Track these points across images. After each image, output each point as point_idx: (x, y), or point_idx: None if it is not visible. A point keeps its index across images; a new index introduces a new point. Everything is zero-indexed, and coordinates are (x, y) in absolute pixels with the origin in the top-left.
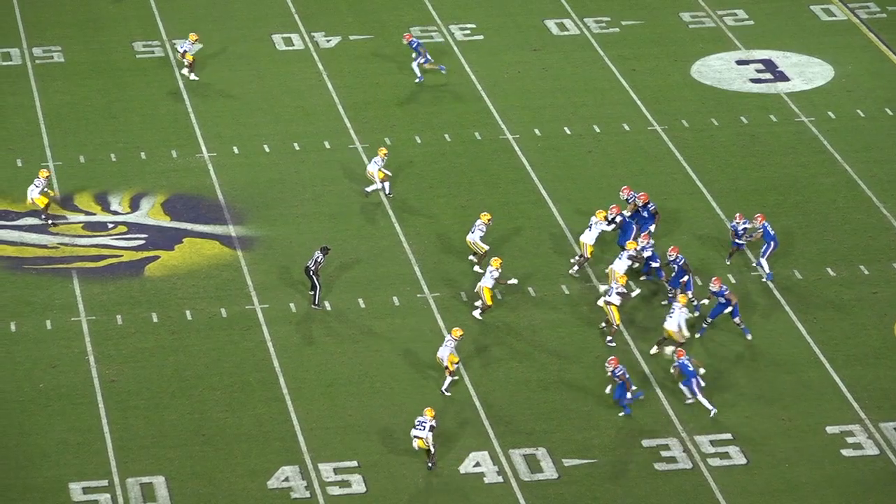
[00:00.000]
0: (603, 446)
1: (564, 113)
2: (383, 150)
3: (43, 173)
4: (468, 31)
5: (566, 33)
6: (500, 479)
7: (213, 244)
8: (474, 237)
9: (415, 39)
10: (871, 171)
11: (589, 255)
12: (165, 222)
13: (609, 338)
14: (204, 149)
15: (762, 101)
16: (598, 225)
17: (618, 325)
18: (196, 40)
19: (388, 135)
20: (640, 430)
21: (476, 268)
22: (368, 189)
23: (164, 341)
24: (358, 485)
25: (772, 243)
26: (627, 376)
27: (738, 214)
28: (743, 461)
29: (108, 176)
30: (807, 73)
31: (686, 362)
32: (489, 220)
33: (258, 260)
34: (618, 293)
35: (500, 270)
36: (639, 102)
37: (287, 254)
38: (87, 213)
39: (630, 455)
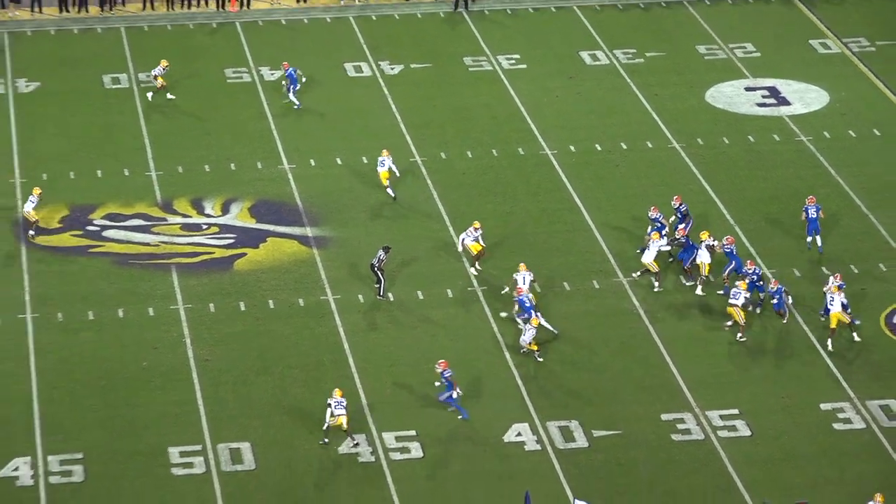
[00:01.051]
0: (627, 419)
1: (595, 132)
2: (385, 152)
3: (36, 191)
4: (513, 61)
5: (598, 63)
6: (538, 447)
7: (293, 243)
8: (467, 241)
9: (291, 69)
10: (861, 183)
11: (656, 270)
12: (251, 224)
13: (739, 335)
14: (285, 161)
15: (767, 122)
16: (654, 244)
17: (744, 323)
18: (166, 66)
19: (442, 150)
20: (660, 405)
21: (472, 270)
22: (391, 192)
23: (250, 326)
24: (416, 451)
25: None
26: (454, 380)
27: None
28: (748, 433)
29: (203, 184)
30: (806, 98)
31: (524, 299)
32: (478, 227)
33: (331, 257)
34: (744, 297)
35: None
36: (660, 123)
37: (355, 252)
38: (185, 216)
39: (650, 427)
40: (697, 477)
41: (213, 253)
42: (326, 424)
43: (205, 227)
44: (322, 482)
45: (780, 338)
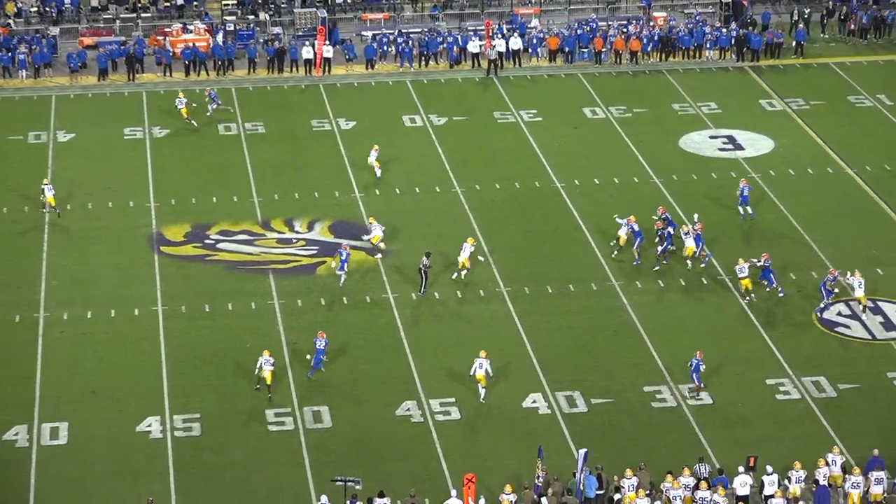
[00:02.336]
0: (618, 390)
1: (594, 169)
2: (376, 146)
3: (45, 181)
4: (532, 115)
5: (596, 117)
6: (549, 411)
7: (361, 254)
8: (463, 255)
9: (213, 91)
10: (798, 210)
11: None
12: (330, 239)
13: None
14: (356, 191)
15: (726, 163)
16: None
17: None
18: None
19: (476, 183)
20: (643, 379)
21: (454, 275)
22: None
23: (328, 317)
24: (455, 414)
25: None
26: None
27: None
28: (710, 402)
29: (294, 208)
30: (756, 144)
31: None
32: (473, 243)
33: (390, 264)
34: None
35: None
36: (644, 163)
37: (409, 261)
38: (279, 233)
39: (636, 396)
40: (671, 435)
41: (301, 261)
42: (257, 376)
43: (295, 241)
44: (383, 437)
45: (733, 328)
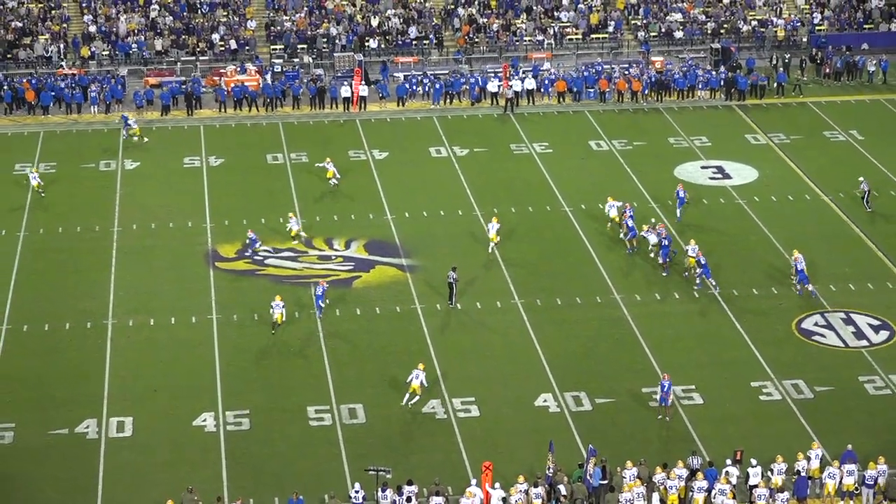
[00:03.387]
0: (619, 391)
1: (599, 196)
2: (328, 159)
3: (34, 170)
4: (544, 147)
5: (601, 149)
6: (558, 409)
7: (392, 269)
8: (492, 232)
9: (125, 115)
10: (780, 232)
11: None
12: (365, 256)
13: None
14: (388, 213)
15: (716, 190)
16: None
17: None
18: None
19: (494, 206)
20: (641, 382)
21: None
22: (334, 181)
23: (363, 325)
24: (475, 411)
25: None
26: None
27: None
28: (701, 401)
29: (332, 228)
30: (742, 174)
31: None
32: (498, 220)
33: (418, 279)
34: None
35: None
36: (643, 190)
37: (435, 275)
38: (320, 250)
39: (634, 396)
40: (666, 430)
41: (339, 275)
42: (272, 322)
43: (333, 257)
44: (411, 432)
45: (722, 337)
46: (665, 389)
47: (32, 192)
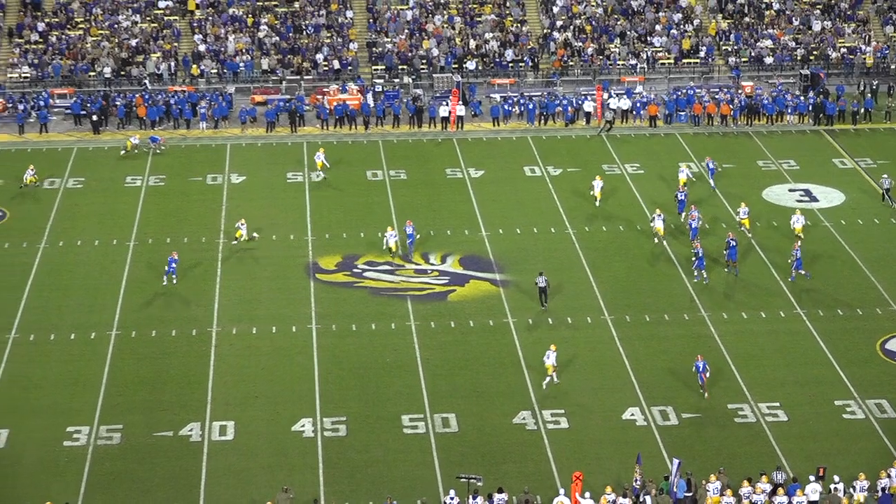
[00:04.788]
0: (704, 407)
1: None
2: (322, 148)
3: (31, 167)
4: (636, 167)
5: (691, 170)
6: (645, 423)
7: (486, 283)
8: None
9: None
10: (864, 254)
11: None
12: (460, 270)
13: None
14: (483, 230)
15: (803, 212)
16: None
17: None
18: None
19: (586, 225)
20: (727, 398)
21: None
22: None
23: (457, 337)
24: (564, 423)
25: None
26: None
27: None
28: (785, 418)
29: (429, 243)
30: (829, 197)
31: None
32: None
33: (511, 293)
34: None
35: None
36: (732, 211)
37: (527, 290)
38: (417, 264)
39: (720, 413)
40: (751, 446)
41: (434, 289)
42: (386, 248)
43: (429, 271)
44: (502, 442)
45: (806, 354)
46: (700, 369)
47: (143, 204)
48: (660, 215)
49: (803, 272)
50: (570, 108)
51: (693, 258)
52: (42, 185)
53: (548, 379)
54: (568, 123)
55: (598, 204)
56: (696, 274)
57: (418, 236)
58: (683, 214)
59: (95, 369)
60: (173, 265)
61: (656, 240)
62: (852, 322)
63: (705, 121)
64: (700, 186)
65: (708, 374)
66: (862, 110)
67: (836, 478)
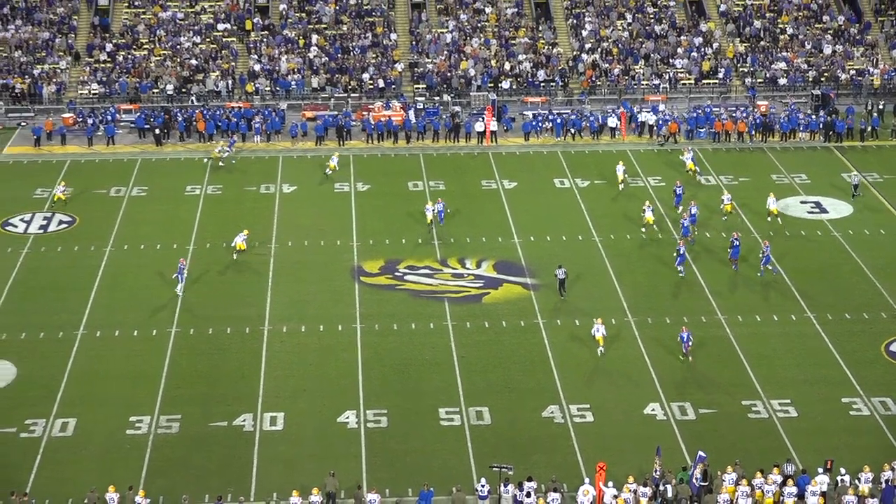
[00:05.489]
0: (719, 403)
1: (707, 225)
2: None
3: (62, 184)
4: (657, 180)
5: (709, 183)
6: (664, 418)
7: (518, 287)
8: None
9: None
10: (872, 262)
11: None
12: (494, 274)
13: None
14: (515, 237)
15: (814, 223)
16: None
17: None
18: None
19: (612, 233)
20: (742, 395)
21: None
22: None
23: (490, 337)
24: (589, 417)
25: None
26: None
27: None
28: (795, 414)
29: (465, 249)
30: (838, 209)
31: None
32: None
33: (541, 296)
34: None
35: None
36: (746, 221)
37: (556, 293)
38: (454, 269)
39: (734, 408)
40: (764, 441)
41: (470, 291)
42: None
43: (466, 275)
44: (531, 434)
45: (816, 354)
46: (685, 339)
47: (201, 211)
48: (649, 207)
49: (770, 267)
50: (595, 122)
51: (675, 254)
52: (67, 202)
53: (600, 349)
54: (594, 135)
55: (621, 188)
56: (680, 269)
57: (448, 211)
58: (680, 208)
59: (156, 363)
60: (183, 273)
61: (644, 229)
62: (859, 325)
63: (723, 137)
64: (703, 190)
65: (690, 344)
66: (869, 128)
67: (843, 470)
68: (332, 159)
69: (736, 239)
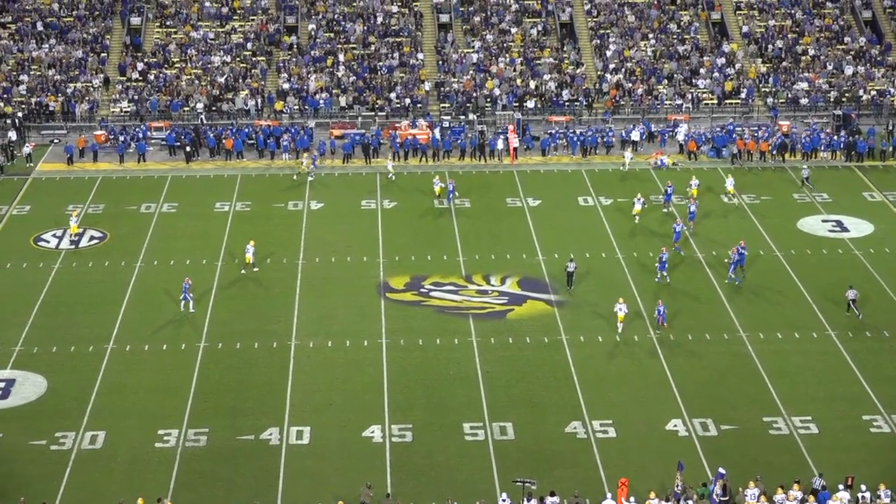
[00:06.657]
0: (741, 419)
1: (728, 243)
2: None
3: (74, 213)
4: (679, 198)
5: (731, 202)
6: (686, 434)
7: (542, 304)
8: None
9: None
10: (892, 280)
11: None
12: (518, 291)
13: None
14: (539, 254)
15: (835, 242)
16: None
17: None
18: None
19: (635, 251)
20: (762, 411)
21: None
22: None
23: (514, 352)
24: (612, 433)
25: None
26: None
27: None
28: (816, 431)
29: (490, 266)
30: (859, 228)
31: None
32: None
33: (565, 313)
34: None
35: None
36: (768, 239)
37: (580, 309)
38: (478, 285)
39: (756, 425)
40: (785, 456)
41: (494, 308)
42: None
43: (490, 292)
44: (555, 448)
45: (837, 372)
46: (660, 312)
47: (230, 227)
48: (640, 199)
49: (733, 276)
50: (612, 138)
51: (657, 263)
52: (81, 236)
53: (620, 326)
54: (608, 149)
55: (637, 220)
56: (658, 276)
57: (457, 194)
58: (667, 209)
59: (184, 377)
60: (187, 292)
61: (637, 219)
62: (879, 343)
63: (745, 156)
64: (706, 195)
65: (664, 316)
66: (890, 148)
67: (864, 487)
68: (435, 182)
69: (742, 248)
